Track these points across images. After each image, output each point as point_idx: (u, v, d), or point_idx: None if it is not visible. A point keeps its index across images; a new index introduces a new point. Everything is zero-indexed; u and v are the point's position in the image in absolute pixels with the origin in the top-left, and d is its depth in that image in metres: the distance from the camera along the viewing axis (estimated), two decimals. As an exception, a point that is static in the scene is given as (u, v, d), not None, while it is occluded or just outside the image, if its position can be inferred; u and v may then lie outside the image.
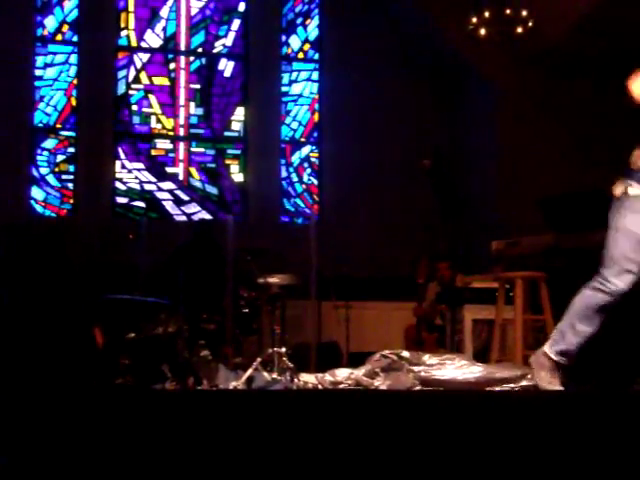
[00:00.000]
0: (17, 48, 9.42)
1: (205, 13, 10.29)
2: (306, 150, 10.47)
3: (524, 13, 8.29)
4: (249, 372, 4.48)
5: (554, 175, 8.80)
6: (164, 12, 10.14)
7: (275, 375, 4.61)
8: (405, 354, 4.56)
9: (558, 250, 6.06)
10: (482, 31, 8.33)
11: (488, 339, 6.33)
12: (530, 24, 8.30)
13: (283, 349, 4.60)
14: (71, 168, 9.75)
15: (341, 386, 4.39)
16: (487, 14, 8.29)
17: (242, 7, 10.33)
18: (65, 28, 9.81)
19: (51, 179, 9.67)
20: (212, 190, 10.17)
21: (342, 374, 4.51)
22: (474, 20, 8.31)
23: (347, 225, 9.74)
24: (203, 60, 10.26)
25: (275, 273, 6.77)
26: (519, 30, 8.31)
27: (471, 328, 6.70)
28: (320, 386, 4.41)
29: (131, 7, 10.05)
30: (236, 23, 10.29)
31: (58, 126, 9.75)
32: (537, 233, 6.15)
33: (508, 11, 8.30)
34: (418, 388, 4.28)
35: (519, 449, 2.92)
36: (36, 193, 9.59)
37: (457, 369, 4.47)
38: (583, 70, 9.24)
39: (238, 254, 6.49)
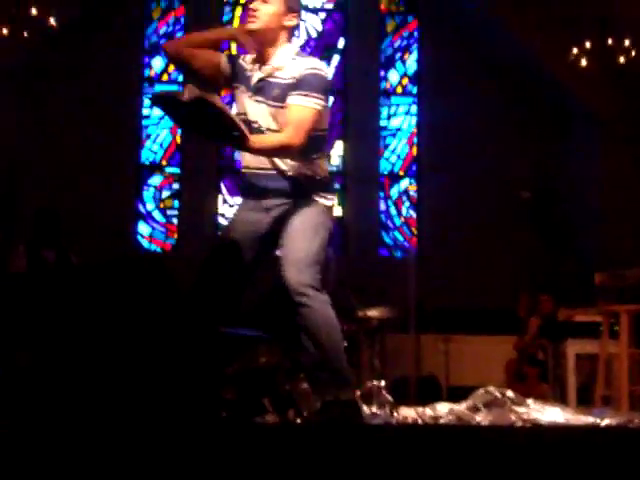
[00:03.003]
0: (126, 88, 9.80)
1: (306, 50, 10.49)
2: (405, 183, 10.50)
3: (627, 42, 8.17)
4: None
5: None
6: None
7: (374, 409, 4.61)
8: (510, 394, 4.51)
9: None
10: (583, 62, 8.25)
11: (592, 374, 6.20)
12: (633, 53, 8.17)
13: (382, 382, 4.60)
14: (175, 204, 10.04)
15: (442, 421, 4.36)
16: (588, 44, 8.20)
17: (341, 43, 10.49)
18: (171, 68, 10.15)
19: (157, 214, 9.98)
20: (312, 224, 10.27)
21: (443, 408, 4.48)
22: (575, 51, 8.23)
23: (446, 258, 9.70)
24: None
25: (374, 306, 6.81)
26: (621, 60, 8.19)
27: (574, 363, 6.57)
28: (420, 420, 4.40)
29: (233, 48, 10.31)
30: (335, 59, 10.44)
31: (164, 163, 10.07)
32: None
33: (610, 41, 8.20)
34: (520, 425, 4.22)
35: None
36: (142, 228, 9.90)
37: (560, 414, 4.41)
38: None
39: (338, 287, 6.54)
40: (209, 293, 3.71)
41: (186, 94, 3.23)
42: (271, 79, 3.61)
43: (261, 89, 3.62)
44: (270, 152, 3.57)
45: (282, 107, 3.55)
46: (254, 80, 3.64)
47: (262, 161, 3.62)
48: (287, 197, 3.63)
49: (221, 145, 3.59)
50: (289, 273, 3.55)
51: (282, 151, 3.55)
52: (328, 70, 3.69)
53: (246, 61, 3.73)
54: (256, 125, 3.61)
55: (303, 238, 3.57)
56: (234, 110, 3.77)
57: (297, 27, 3.77)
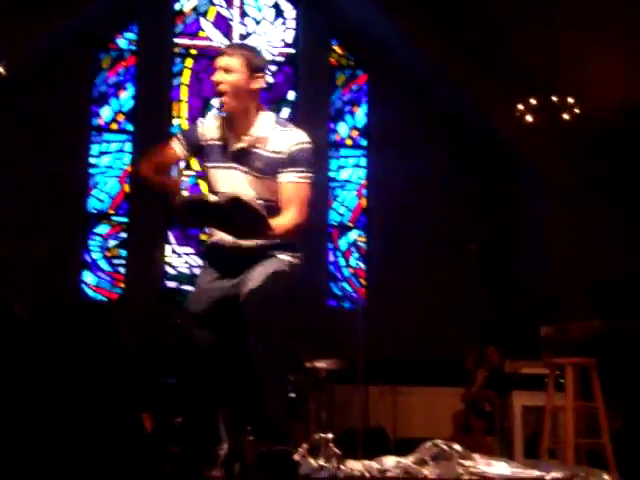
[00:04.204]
0: (73, 137, 9.73)
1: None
2: (353, 235, 10.54)
3: (570, 100, 8.37)
4: (295, 458, 4.44)
5: (604, 260, 8.73)
6: (215, 101, 10.42)
7: (322, 462, 4.56)
8: (457, 447, 4.50)
9: (608, 336, 5.99)
10: (529, 118, 8.42)
11: (538, 427, 6.22)
12: (577, 110, 8.37)
13: (330, 435, 4.56)
14: (122, 253, 9.94)
15: (389, 474, 4.33)
16: (533, 101, 8.39)
17: (292, 95, 10.58)
18: (120, 117, 10.13)
19: (103, 263, 9.86)
20: (260, 274, 10.24)
21: (390, 462, 4.46)
22: (520, 107, 8.40)
23: (394, 309, 9.72)
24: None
25: (322, 357, 6.77)
26: (566, 117, 8.38)
27: (521, 415, 6.59)
28: (367, 474, 4.36)
29: (184, 97, 10.36)
30: (285, 111, 10.52)
31: (111, 212, 9.99)
32: (588, 318, 6.10)
33: (554, 98, 8.39)
34: (467, 479, 4.21)
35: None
36: (88, 277, 9.77)
37: (507, 468, 4.41)
38: (632, 154, 9.24)
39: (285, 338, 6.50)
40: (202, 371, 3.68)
41: (219, 197, 3.25)
42: (254, 149, 3.58)
43: (241, 159, 3.59)
44: (285, 234, 3.56)
45: (263, 178, 3.56)
46: (233, 149, 3.60)
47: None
48: (251, 261, 3.61)
49: (241, 235, 3.48)
50: (250, 310, 3.49)
51: (295, 231, 3.59)
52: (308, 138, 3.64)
53: (205, 132, 3.66)
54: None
55: (265, 280, 3.53)
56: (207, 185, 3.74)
57: (265, 86, 3.67)
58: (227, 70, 3.53)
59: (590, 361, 5.57)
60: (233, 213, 3.28)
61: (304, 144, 3.58)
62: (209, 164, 3.66)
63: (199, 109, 10.34)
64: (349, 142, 10.72)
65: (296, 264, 3.77)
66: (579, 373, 5.62)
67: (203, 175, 3.85)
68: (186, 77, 10.41)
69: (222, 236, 3.64)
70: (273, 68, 10.59)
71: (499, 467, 4.42)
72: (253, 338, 3.48)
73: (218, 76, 3.55)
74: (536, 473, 4.37)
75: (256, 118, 3.60)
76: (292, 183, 3.54)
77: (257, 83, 3.58)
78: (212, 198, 3.29)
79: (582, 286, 8.17)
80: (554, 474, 4.34)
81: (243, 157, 3.58)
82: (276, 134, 3.57)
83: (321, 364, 6.68)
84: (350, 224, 10.57)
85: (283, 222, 3.52)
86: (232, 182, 3.57)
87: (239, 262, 3.63)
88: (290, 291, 3.76)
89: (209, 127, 3.67)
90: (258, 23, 10.65)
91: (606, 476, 4.42)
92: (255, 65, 3.57)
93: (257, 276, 3.54)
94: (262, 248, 3.63)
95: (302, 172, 3.56)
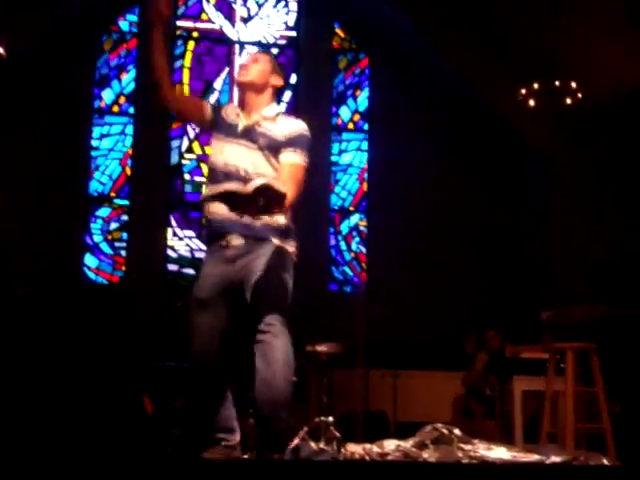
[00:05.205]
0: (75, 119, 9.72)
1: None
2: (355, 219, 10.54)
3: (573, 84, 8.35)
4: (295, 442, 4.46)
5: (607, 244, 8.74)
6: (218, 84, 10.40)
7: (322, 445, 4.57)
8: (457, 431, 4.51)
9: (609, 320, 5.99)
10: (531, 102, 8.40)
11: (538, 411, 6.24)
12: (579, 95, 8.35)
13: (330, 418, 4.57)
14: (124, 235, 9.94)
15: (389, 457, 4.34)
16: (536, 85, 8.37)
17: (293, 79, 10.55)
18: (122, 100, 10.11)
19: (104, 247, 9.86)
20: (262, 258, 10.24)
21: (390, 445, 4.47)
22: (523, 91, 8.38)
23: (395, 293, 9.73)
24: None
25: (323, 341, 6.79)
26: (568, 101, 8.36)
27: (521, 400, 6.60)
28: (367, 457, 4.37)
29: (186, 79, 10.34)
30: (287, 94, 10.49)
31: (112, 195, 9.98)
32: (589, 302, 6.10)
33: (557, 82, 8.37)
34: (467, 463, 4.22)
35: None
36: (89, 260, 9.78)
37: (507, 453, 4.42)
38: (634, 138, 9.23)
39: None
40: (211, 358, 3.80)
41: (248, 187, 3.49)
42: (257, 127, 3.91)
43: (246, 135, 3.90)
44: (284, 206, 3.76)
45: (266, 155, 3.86)
46: (240, 127, 3.93)
47: (225, 209, 3.74)
48: (249, 245, 3.80)
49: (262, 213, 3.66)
50: (262, 297, 3.72)
51: (288, 207, 3.82)
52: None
53: (228, 113, 4.01)
54: (233, 169, 3.82)
55: (271, 284, 3.78)
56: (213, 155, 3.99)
57: (283, 91, 4.04)
58: (255, 60, 4.04)
59: (591, 346, 5.58)
60: (259, 197, 3.52)
61: (304, 132, 3.96)
62: (220, 135, 3.95)
63: (200, 92, 10.32)
64: (351, 126, 10.70)
65: (293, 253, 3.97)
66: (579, 358, 5.63)
67: (208, 143, 4.21)
68: (188, 60, 10.38)
69: (223, 217, 3.76)
70: (275, 51, 10.57)
71: (499, 451, 4.43)
72: (265, 323, 3.69)
73: (246, 62, 4.05)
74: (536, 457, 4.38)
75: (266, 106, 4.00)
76: (292, 163, 3.86)
77: (276, 80, 4.03)
78: (243, 189, 3.50)
79: (584, 270, 8.19)
80: (554, 458, 4.34)
81: (250, 133, 3.89)
82: (280, 120, 3.97)
83: (322, 348, 6.70)
84: (351, 208, 10.56)
85: (290, 197, 3.76)
86: (235, 157, 3.85)
87: (240, 247, 3.80)
88: (293, 276, 3.95)
89: (228, 112, 4.02)
90: (260, 6, 10.61)
91: (605, 460, 4.43)
92: (278, 66, 4.11)
93: (263, 262, 3.76)
94: (259, 232, 3.80)
95: (300, 155, 3.89)
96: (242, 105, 4.02)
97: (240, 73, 4.05)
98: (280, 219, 3.85)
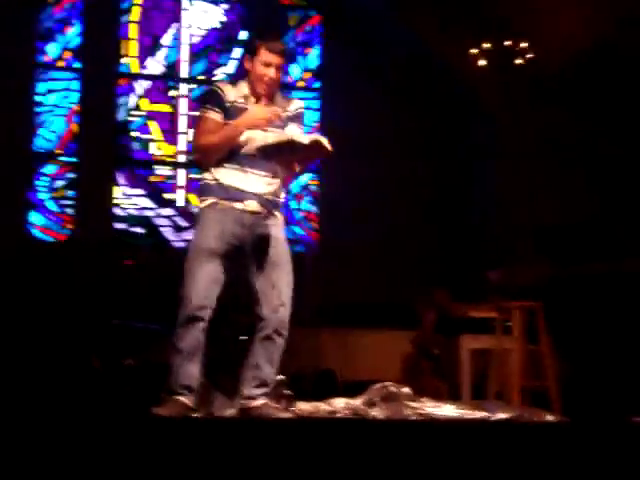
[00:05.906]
0: (18, 74, 9.47)
1: (207, 41, 10.36)
2: (305, 178, 10.49)
3: (523, 45, 8.36)
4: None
5: (553, 206, 8.83)
6: (166, 40, 10.20)
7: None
8: (406, 389, 4.56)
9: (555, 280, 6.07)
10: (481, 62, 8.40)
11: (485, 369, 6.32)
12: (529, 55, 8.36)
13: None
14: (71, 193, 9.77)
15: (338, 415, 4.38)
16: (486, 45, 8.36)
17: (243, 35, 10.40)
18: (67, 55, 9.87)
19: (50, 204, 9.69)
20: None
21: (339, 403, 4.50)
22: (474, 51, 8.38)
23: (345, 253, 9.74)
24: (204, 87, 10.31)
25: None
26: (518, 61, 8.37)
27: (469, 358, 6.68)
28: (317, 415, 4.39)
29: (133, 35, 10.12)
30: (237, 51, 10.35)
31: (58, 152, 9.79)
32: (534, 262, 6.17)
33: (507, 42, 8.37)
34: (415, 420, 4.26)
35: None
36: (35, 218, 9.61)
37: (455, 410, 4.49)
38: (583, 102, 9.29)
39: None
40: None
41: (276, 138, 3.86)
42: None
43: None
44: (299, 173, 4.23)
45: (274, 131, 4.02)
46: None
47: (241, 179, 4.00)
48: (263, 215, 4.06)
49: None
50: (274, 310, 4.13)
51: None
52: None
53: (227, 94, 4.07)
54: (249, 146, 3.95)
55: (287, 276, 4.24)
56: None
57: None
58: (278, 68, 4.10)
59: (537, 305, 5.65)
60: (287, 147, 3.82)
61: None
62: (233, 121, 4.04)
63: (148, 47, 10.13)
64: (301, 84, 10.61)
65: None
66: (526, 316, 5.70)
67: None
68: (135, 14, 10.15)
69: (242, 182, 3.98)
70: (225, 6, 10.40)
71: (446, 409, 4.49)
72: (275, 334, 4.14)
73: (272, 72, 4.08)
74: (482, 414, 4.44)
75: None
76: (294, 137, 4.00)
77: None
78: (276, 140, 3.82)
79: (531, 231, 8.28)
80: (499, 415, 4.42)
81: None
82: (282, 98, 4.24)
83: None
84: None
85: None
86: (252, 136, 3.96)
87: (256, 215, 4.02)
88: None
89: (230, 91, 4.10)
90: (208, -40, 10.41)
91: (549, 416, 4.51)
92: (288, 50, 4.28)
93: (279, 234, 4.16)
94: (269, 204, 4.07)
95: (301, 129, 4.18)
96: (251, 89, 4.09)
97: (266, 80, 4.09)
98: (282, 195, 4.16)
